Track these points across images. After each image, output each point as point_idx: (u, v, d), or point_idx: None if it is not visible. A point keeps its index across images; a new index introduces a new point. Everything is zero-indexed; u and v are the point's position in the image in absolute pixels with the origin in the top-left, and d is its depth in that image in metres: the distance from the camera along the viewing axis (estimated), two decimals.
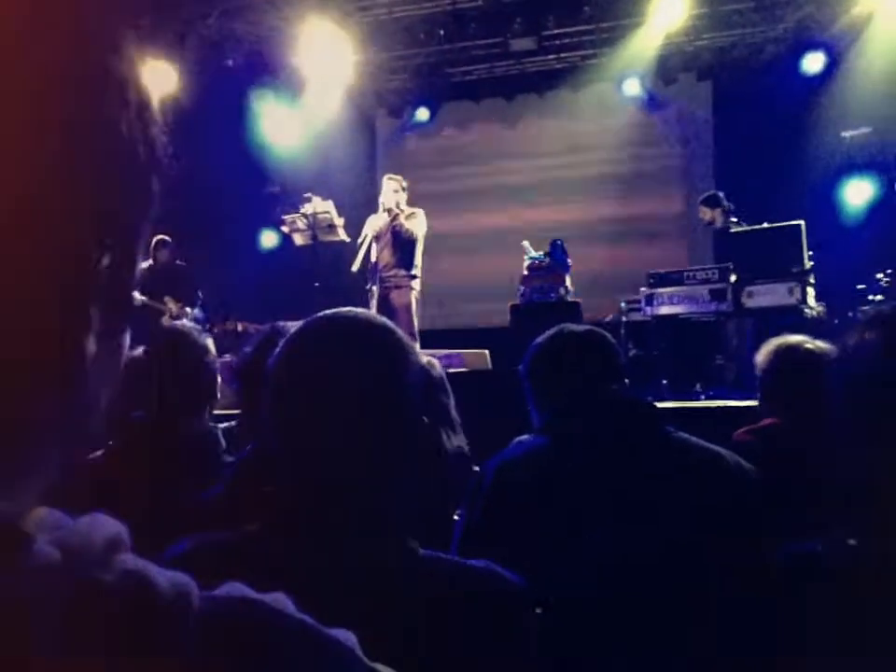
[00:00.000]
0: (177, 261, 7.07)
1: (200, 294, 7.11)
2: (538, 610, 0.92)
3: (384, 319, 0.97)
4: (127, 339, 0.44)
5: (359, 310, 0.97)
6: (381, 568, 0.83)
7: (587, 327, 1.72)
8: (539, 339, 1.71)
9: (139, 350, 2.66)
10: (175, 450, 1.95)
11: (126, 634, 0.32)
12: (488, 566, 0.89)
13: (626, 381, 1.67)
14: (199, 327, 2.18)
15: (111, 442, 2.07)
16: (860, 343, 0.91)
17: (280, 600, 0.41)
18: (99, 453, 2.08)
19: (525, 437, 1.68)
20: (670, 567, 1.31)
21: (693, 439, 1.49)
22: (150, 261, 6.84)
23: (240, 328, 6.14)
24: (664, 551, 1.32)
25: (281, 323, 1.72)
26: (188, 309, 6.92)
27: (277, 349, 0.93)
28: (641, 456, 1.42)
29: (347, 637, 0.42)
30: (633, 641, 1.28)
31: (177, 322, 2.23)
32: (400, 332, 0.96)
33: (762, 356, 2.19)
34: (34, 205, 0.33)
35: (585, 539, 1.34)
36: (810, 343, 2.11)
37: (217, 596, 0.39)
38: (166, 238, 7.00)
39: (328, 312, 0.96)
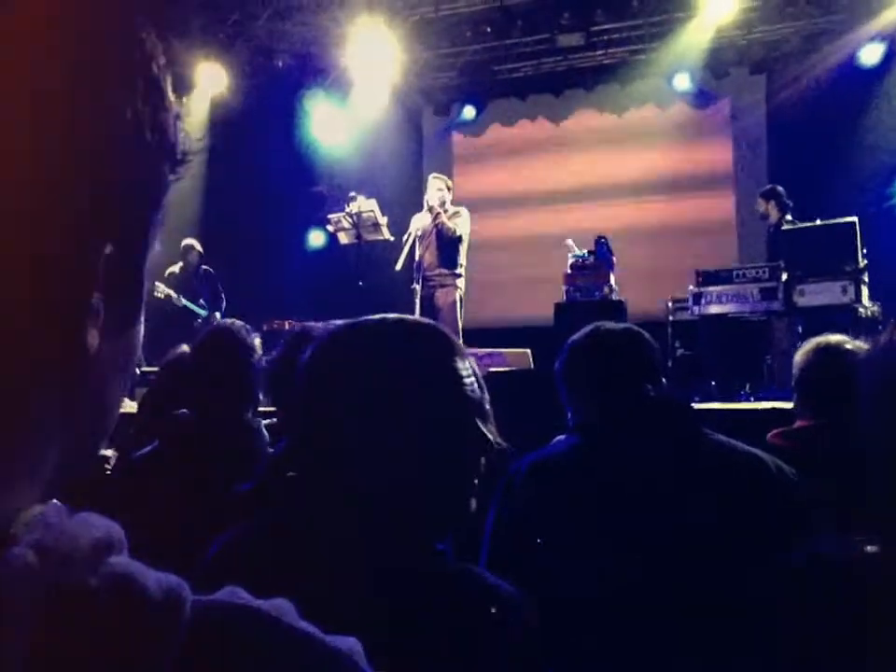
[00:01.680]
0: (203, 266, 7.34)
1: (223, 298, 7.38)
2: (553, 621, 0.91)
3: (421, 320, 0.97)
4: (139, 335, 0.43)
5: (395, 315, 0.96)
6: (401, 572, 0.83)
7: (624, 325, 1.68)
8: (575, 337, 1.67)
9: (183, 348, 2.73)
10: (218, 446, 1.98)
11: (110, 641, 0.31)
12: (510, 589, 0.87)
13: (664, 381, 1.64)
14: (247, 325, 2.20)
15: (158, 440, 2.12)
16: (889, 342, 0.88)
17: (280, 607, 0.40)
18: (147, 449, 2.13)
19: (562, 437, 1.67)
20: (704, 571, 1.29)
21: (732, 441, 1.45)
22: (180, 265, 7.17)
23: (287, 327, 6.21)
24: (696, 555, 1.29)
25: (310, 324, 1.74)
26: (216, 314, 7.21)
27: (308, 352, 0.93)
28: (676, 459, 1.40)
29: (351, 645, 0.40)
30: (663, 643, 1.26)
31: (227, 320, 2.26)
32: (442, 334, 0.96)
33: (799, 355, 2.12)
34: (30, 191, 0.32)
35: (616, 540, 1.32)
36: (850, 342, 2.03)
37: (212, 602, 0.38)
38: (194, 243, 7.32)
39: (362, 318, 0.96)
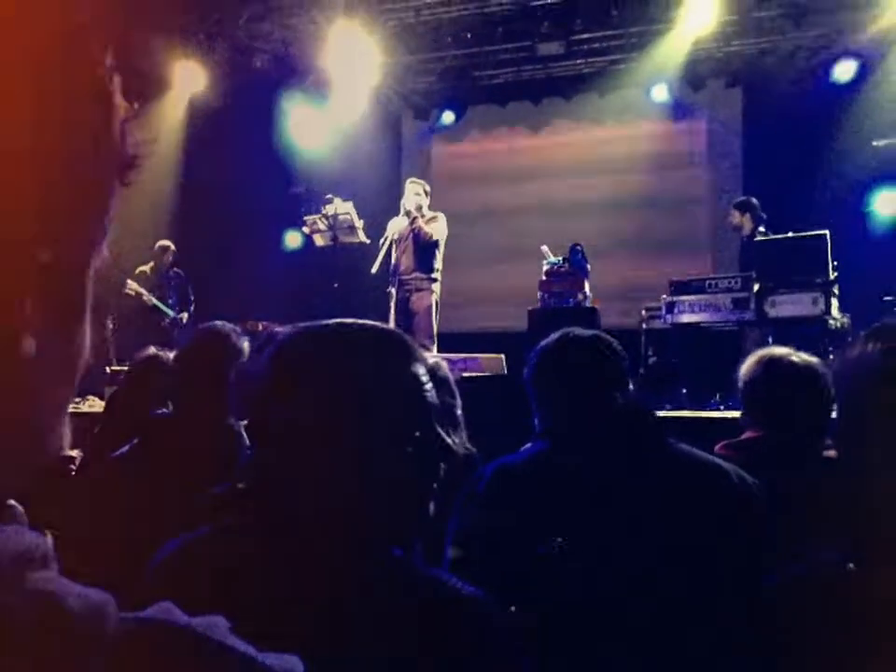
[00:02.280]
0: (174, 269, 7.38)
1: (192, 301, 7.43)
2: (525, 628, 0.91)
3: (381, 326, 0.97)
4: (86, 339, 0.42)
5: (353, 321, 0.95)
6: (358, 577, 0.83)
7: (593, 332, 1.68)
8: (544, 342, 1.67)
9: (151, 349, 2.70)
10: (196, 445, 1.96)
11: (29, 661, 0.30)
12: (476, 593, 0.87)
13: (631, 388, 1.64)
14: (237, 328, 2.19)
15: (136, 439, 2.10)
16: (860, 354, 0.90)
17: (212, 625, 0.38)
18: (125, 448, 2.11)
19: (530, 444, 1.68)
20: (665, 578, 1.30)
21: (695, 451, 1.47)
22: (151, 265, 7.21)
23: (261, 328, 6.17)
24: (658, 562, 1.30)
25: (279, 329, 1.73)
26: (184, 314, 7.28)
27: (266, 355, 0.93)
28: (639, 466, 1.40)
29: (286, 664, 0.39)
30: (623, 653, 1.27)
31: (217, 323, 2.24)
32: (401, 339, 0.96)
33: (745, 366, 2.12)
34: None
35: (578, 547, 1.33)
36: (795, 355, 2.04)
37: (138, 619, 0.37)
38: (169, 244, 7.36)
39: (322, 322, 0.95)
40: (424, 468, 0.91)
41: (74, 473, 2.53)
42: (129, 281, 6.89)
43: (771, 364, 2.04)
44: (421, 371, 0.92)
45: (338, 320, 0.95)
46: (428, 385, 0.92)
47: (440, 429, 0.92)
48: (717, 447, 1.98)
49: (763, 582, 0.98)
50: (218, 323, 2.21)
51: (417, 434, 0.89)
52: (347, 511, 0.84)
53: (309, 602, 0.76)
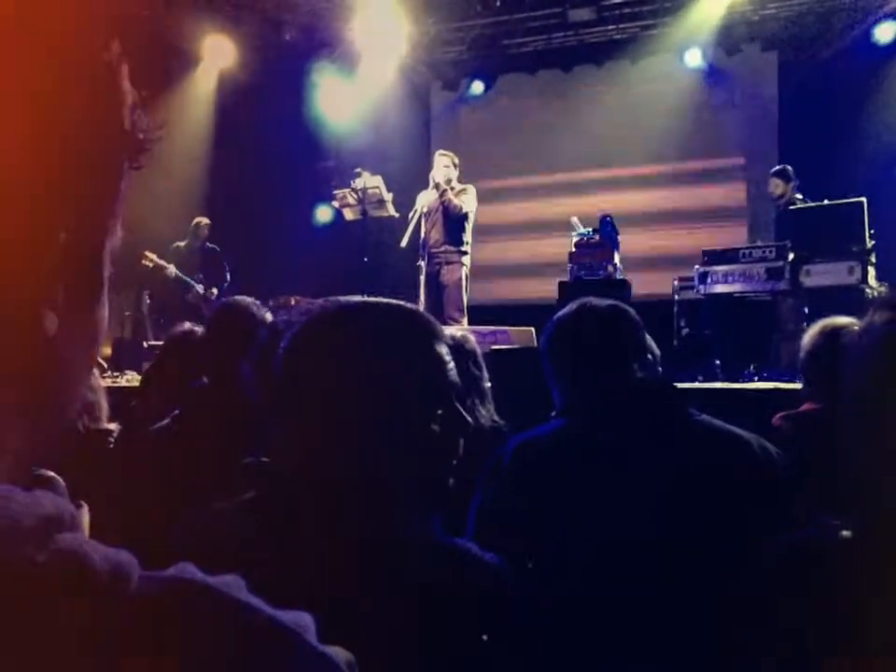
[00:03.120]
0: (209, 244, 7.35)
1: (227, 276, 7.38)
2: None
3: (402, 304, 0.98)
4: (105, 313, 0.44)
5: (375, 299, 0.97)
6: (381, 546, 0.85)
7: (610, 302, 1.63)
8: (559, 314, 1.64)
9: (186, 325, 2.76)
10: (229, 417, 2.01)
11: (55, 614, 0.32)
12: (495, 559, 0.90)
13: (650, 358, 1.61)
14: (257, 301, 2.23)
15: (176, 411, 2.16)
16: (868, 325, 0.89)
17: (230, 583, 0.40)
18: (165, 421, 2.17)
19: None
20: (687, 550, 1.30)
21: (716, 422, 1.45)
22: (186, 241, 7.18)
23: (293, 302, 6.23)
24: (680, 536, 1.31)
25: (311, 304, 1.75)
26: (214, 290, 7.21)
27: (288, 334, 0.95)
28: (661, 439, 1.40)
29: (298, 619, 0.40)
30: (643, 625, 1.28)
31: (237, 296, 2.29)
32: (422, 317, 0.97)
33: (807, 337, 2.10)
34: None
35: (599, 520, 1.33)
36: (858, 324, 2.02)
37: (159, 577, 0.38)
38: (201, 219, 7.32)
39: (342, 300, 0.97)
40: (446, 444, 0.92)
41: (112, 446, 2.59)
42: (147, 252, 6.80)
43: (834, 334, 2.01)
44: (444, 350, 0.94)
45: (364, 298, 0.97)
46: (451, 365, 0.94)
47: (460, 406, 0.93)
48: (775, 418, 1.97)
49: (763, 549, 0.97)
50: (239, 297, 2.24)
51: (440, 412, 0.91)
52: (369, 486, 0.87)
53: (335, 570, 0.79)
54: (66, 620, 0.32)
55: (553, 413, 1.61)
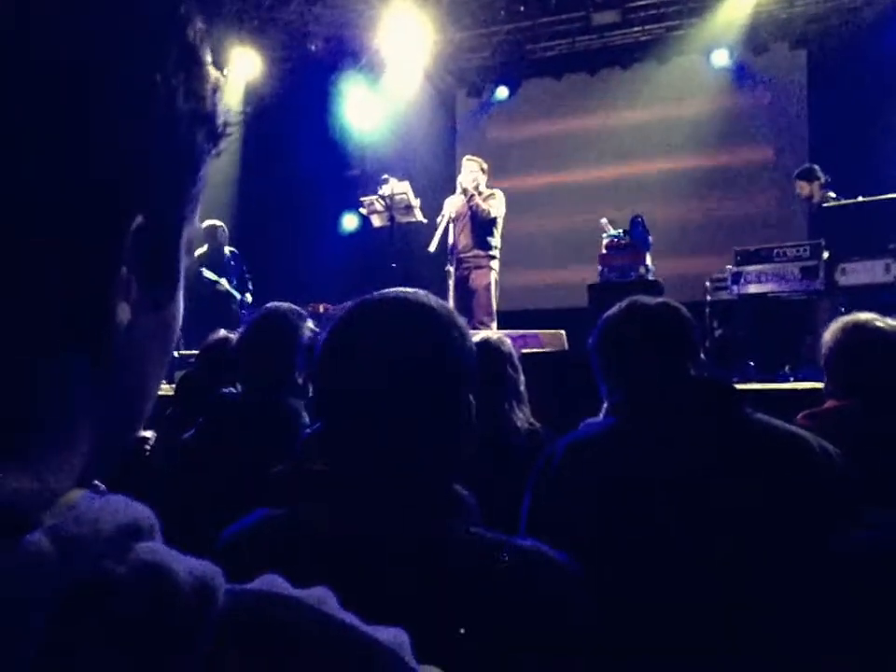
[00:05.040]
0: (227, 248, 7.18)
1: (249, 281, 7.23)
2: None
3: (430, 298, 0.98)
4: (178, 315, 0.41)
5: (408, 290, 0.98)
6: (426, 543, 0.83)
7: (660, 299, 1.61)
8: (610, 312, 1.62)
9: (221, 332, 2.77)
10: (260, 425, 2.01)
11: (136, 635, 0.29)
12: (535, 545, 0.89)
13: (703, 357, 1.59)
14: (298, 309, 2.22)
15: (201, 419, 2.16)
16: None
17: (320, 597, 0.37)
18: (192, 431, 2.17)
19: (593, 419, 1.65)
20: (749, 552, 1.27)
21: (774, 421, 1.42)
22: (206, 246, 6.95)
23: (322, 309, 6.23)
24: (741, 537, 1.27)
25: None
26: (248, 295, 7.10)
27: (324, 333, 0.96)
28: (717, 439, 1.36)
29: (395, 637, 0.37)
30: (703, 627, 1.25)
31: (278, 304, 2.28)
32: (448, 312, 0.97)
33: (828, 334, 2.05)
34: (50, 156, 0.31)
35: (655, 523, 1.30)
36: (881, 320, 1.96)
37: (246, 591, 0.35)
38: (216, 223, 7.10)
39: (374, 294, 0.97)
40: (465, 436, 0.93)
41: (148, 454, 2.61)
42: (203, 269, 6.69)
43: (856, 330, 1.97)
44: (468, 343, 0.95)
45: (393, 291, 0.97)
46: (473, 356, 0.95)
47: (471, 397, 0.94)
48: (798, 416, 1.92)
49: (831, 547, 0.94)
50: (281, 304, 2.23)
51: (463, 402, 0.92)
52: (404, 474, 0.87)
53: (394, 575, 0.78)
54: (149, 640, 0.29)
55: (602, 413, 1.59)
